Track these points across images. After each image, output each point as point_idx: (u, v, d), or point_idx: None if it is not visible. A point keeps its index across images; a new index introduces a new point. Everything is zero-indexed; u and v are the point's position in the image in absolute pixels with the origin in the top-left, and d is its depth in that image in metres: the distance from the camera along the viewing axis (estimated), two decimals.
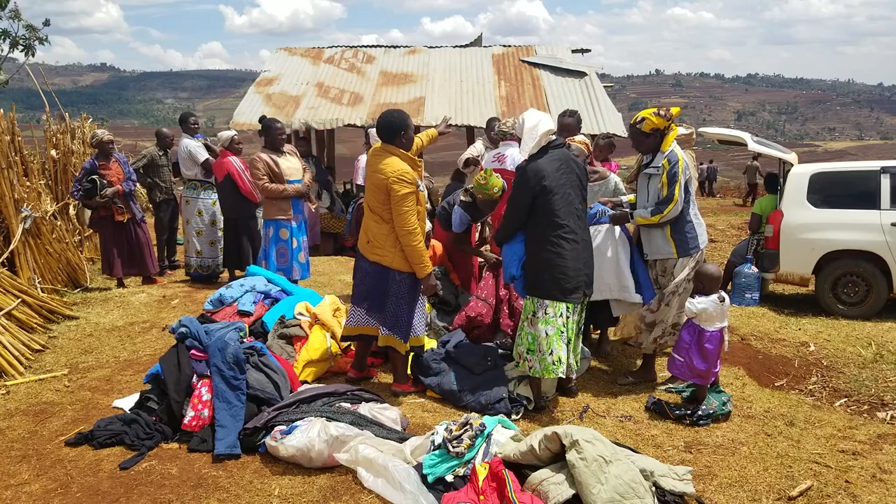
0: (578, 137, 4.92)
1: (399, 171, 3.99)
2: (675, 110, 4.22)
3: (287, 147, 6.40)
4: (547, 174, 3.85)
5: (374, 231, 4.14)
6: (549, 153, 3.93)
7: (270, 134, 6.19)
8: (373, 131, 4.88)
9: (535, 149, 3.93)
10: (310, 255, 6.67)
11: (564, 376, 3.97)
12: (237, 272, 6.94)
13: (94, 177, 6.90)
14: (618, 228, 4.52)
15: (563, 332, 3.88)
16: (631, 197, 4.63)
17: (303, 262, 6.31)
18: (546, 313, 3.87)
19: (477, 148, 6.52)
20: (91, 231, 8.73)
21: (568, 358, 3.93)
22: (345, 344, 4.69)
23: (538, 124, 3.92)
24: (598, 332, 5.28)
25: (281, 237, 6.16)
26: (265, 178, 5.98)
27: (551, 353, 3.85)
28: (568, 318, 3.89)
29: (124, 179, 7.08)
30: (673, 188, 4.15)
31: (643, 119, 4.23)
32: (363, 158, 7.96)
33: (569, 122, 5.32)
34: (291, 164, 6.25)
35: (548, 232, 3.87)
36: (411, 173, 4.04)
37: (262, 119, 6.50)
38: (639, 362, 4.81)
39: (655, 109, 4.26)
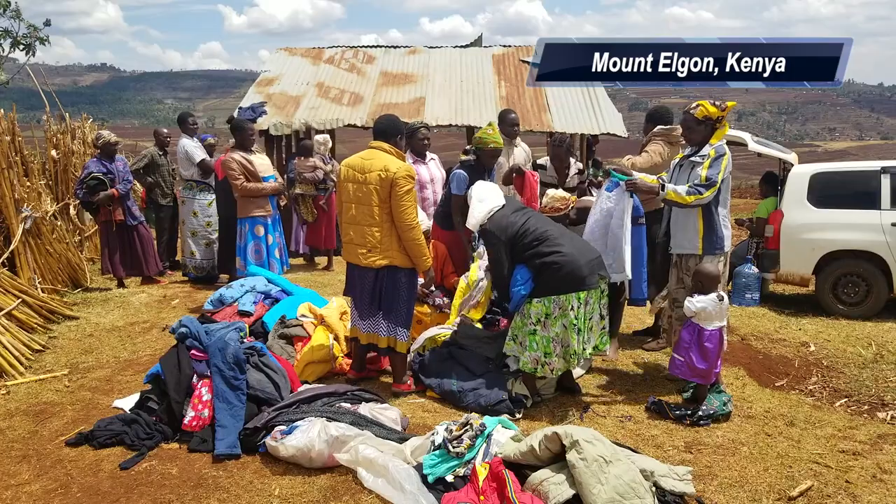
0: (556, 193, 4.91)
1: (404, 167, 4.07)
2: (730, 104, 4.20)
3: (254, 146, 6.50)
4: (508, 217, 4.13)
5: (376, 237, 4.12)
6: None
7: (242, 135, 6.26)
8: None
9: (485, 219, 4.18)
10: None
11: (583, 368, 4.11)
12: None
13: (99, 174, 6.91)
14: (627, 208, 4.32)
15: (574, 325, 3.95)
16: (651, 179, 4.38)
17: (278, 258, 6.34)
18: (561, 309, 3.92)
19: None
20: (91, 231, 8.74)
21: (579, 347, 3.97)
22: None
23: (485, 202, 4.22)
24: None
25: (256, 234, 6.19)
26: (241, 178, 6.05)
27: (568, 346, 3.97)
28: (579, 308, 3.93)
29: (120, 181, 7.08)
30: (717, 174, 4.10)
31: (697, 105, 4.23)
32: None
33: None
34: (263, 161, 6.40)
35: (541, 247, 3.98)
36: (413, 169, 4.15)
37: (232, 119, 6.55)
38: (640, 364, 4.81)
39: (712, 100, 4.24)
